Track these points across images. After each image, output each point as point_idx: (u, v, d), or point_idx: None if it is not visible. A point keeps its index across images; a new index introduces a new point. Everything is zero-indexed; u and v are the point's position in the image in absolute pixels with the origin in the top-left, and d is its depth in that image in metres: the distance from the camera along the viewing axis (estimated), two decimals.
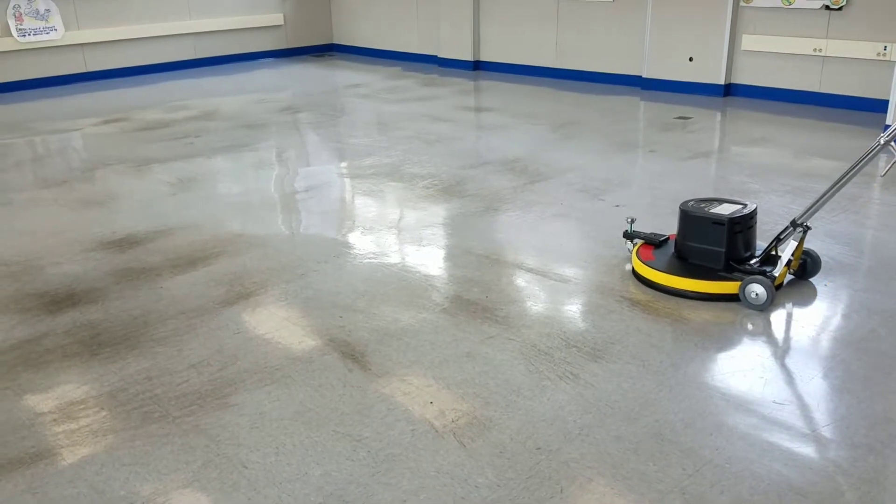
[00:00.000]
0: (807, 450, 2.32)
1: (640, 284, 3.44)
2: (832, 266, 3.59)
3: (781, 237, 3.30)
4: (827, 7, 6.60)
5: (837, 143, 5.80)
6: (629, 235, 3.73)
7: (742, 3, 7.15)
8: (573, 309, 3.31)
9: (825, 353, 2.89)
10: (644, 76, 7.96)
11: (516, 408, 2.54)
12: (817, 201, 3.20)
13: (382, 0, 10.50)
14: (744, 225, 3.32)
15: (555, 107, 7.45)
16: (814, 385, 2.66)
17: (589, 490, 2.16)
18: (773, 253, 3.34)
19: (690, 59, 7.56)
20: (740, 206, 3.38)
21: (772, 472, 2.21)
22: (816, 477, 2.19)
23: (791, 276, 3.43)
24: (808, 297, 3.32)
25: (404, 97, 8.06)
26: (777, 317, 3.15)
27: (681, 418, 2.47)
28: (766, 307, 3.15)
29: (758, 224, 3.46)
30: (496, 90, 8.39)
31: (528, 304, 3.34)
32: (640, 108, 7.39)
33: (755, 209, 3.39)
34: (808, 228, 3.25)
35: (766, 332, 3.04)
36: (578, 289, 3.47)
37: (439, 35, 9.78)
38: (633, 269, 3.56)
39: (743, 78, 7.39)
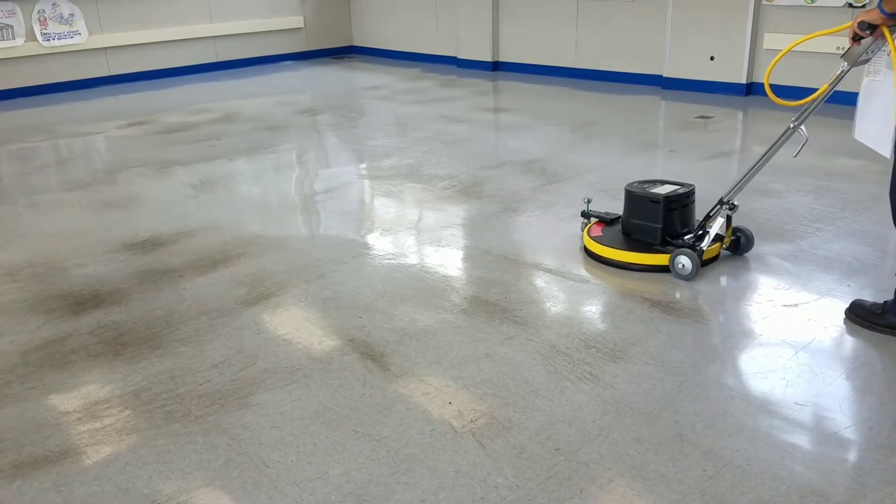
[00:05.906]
0: (829, 451, 2.30)
1: (660, 285, 3.43)
2: (855, 266, 3.56)
3: (710, 214, 3.53)
4: (850, 5, 6.53)
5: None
6: (586, 214, 3.96)
7: (764, 2, 7.09)
8: (592, 309, 3.30)
9: (848, 354, 2.86)
10: (665, 75, 7.91)
11: (535, 408, 2.54)
12: (740, 181, 3.46)
13: (401, 2, 10.52)
14: (679, 203, 3.60)
15: (574, 107, 7.44)
16: (836, 386, 2.63)
17: (608, 491, 2.16)
18: (709, 230, 3.54)
19: (712, 58, 7.51)
20: (678, 187, 3.66)
21: (793, 474, 2.19)
22: (838, 479, 2.17)
23: (726, 252, 3.69)
24: (830, 297, 3.29)
25: (423, 98, 8.07)
26: (799, 318, 3.13)
27: (701, 419, 2.45)
28: (691, 277, 3.43)
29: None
30: (515, 91, 8.39)
31: (547, 304, 3.33)
32: (661, 107, 7.35)
33: (692, 189, 3.66)
34: (735, 206, 3.50)
35: (789, 334, 3.01)
36: (598, 289, 3.46)
37: (458, 36, 9.79)
38: (583, 245, 3.81)
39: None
